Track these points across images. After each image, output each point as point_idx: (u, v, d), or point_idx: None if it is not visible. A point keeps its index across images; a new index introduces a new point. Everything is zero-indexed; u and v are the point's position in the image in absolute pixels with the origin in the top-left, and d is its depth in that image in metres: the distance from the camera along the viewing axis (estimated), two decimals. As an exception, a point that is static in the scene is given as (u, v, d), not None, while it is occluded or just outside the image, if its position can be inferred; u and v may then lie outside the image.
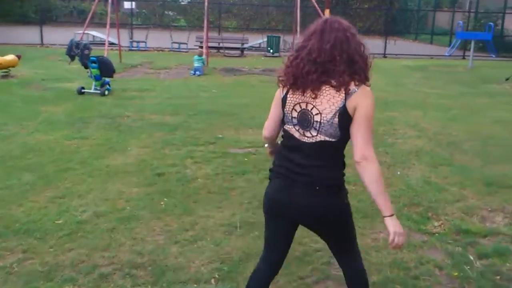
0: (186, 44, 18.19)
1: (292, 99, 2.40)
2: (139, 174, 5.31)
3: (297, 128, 2.39)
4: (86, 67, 10.13)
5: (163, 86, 11.36)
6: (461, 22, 21.16)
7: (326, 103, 2.30)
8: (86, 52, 9.99)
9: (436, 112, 8.97)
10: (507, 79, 12.84)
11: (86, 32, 21.37)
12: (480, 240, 3.95)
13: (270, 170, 2.58)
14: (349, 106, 2.27)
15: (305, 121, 2.36)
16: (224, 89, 11.11)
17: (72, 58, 10.27)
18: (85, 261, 3.52)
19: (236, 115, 8.30)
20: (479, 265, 3.55)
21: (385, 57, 19.54)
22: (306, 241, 3.79)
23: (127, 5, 27.24)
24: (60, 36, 18.20)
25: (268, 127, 2.61)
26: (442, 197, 4.84)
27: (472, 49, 17.21)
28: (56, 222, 4.14)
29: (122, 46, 17.62)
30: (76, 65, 10.73)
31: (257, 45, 21.05)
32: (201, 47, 16.02)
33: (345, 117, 2.28)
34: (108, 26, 14.80)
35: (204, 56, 13.83)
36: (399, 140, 6.95)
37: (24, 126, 7.24)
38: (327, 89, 2.30)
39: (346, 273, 2.66)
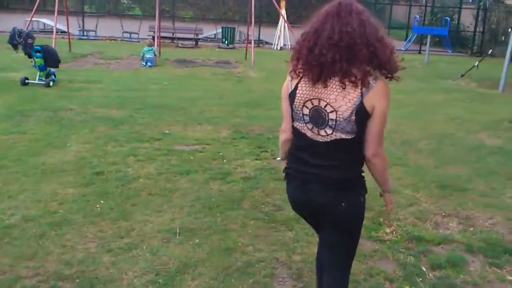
0: (138, 34, 17.70)
1: (302, 94, 2.24)
2: (77, 173, 5.02)
3: (310, 127, 2.26)
4: (30, 56, 9.66)
5: (112, 77, 10.97)
6: (418, 16, 21.45)
7: (341, 100, 2.16)
8: (30, 41, 9.51)
9: (390, 109, 8.77)
10: (462, 75, 13.02)
11: (36, 19, 20.57)
12: (433, 248, 3.80)
13: (285, 171, 2.47)
14: (367, 103, 2.15)
15: (319, 119, 2.22)
16: (175, 81, 10.82)
17: (15, 47, 9.78)
18: (7, 272, 3.24)
19: (185, 109, 8.05)
20: (431, 277, 3.40)
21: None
22: (250, 249, 3.63)
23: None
24: (11, 23, 17.26)
25: (287, 129, 2.40)
26: (394, 200, 4.70)
27: (428, 44, 17.45)
28: (-20, 227, 3.84)
29: (72, 35, 17.00)
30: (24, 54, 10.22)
31: (212, 36, 20.73)
32: (153, 37, 15.63)
33: (363, 114, 2.16)
34: (56, 13, 14.17)
35: (155, 47, 13.45)
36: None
37: (-42, 119, 6.81)
38: (348, 82, 2.14)
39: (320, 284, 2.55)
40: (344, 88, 2.14)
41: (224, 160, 5.61)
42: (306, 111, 2.24)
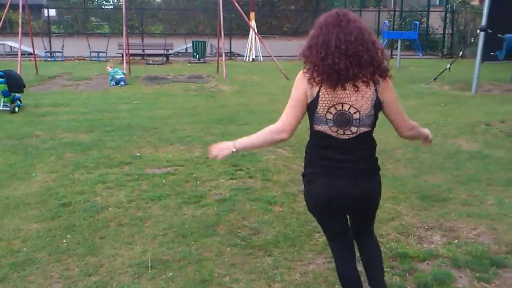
0: (106, 52, 17.39)
1: (325, 101, 2.47)
2: (42, 205, 4.75)
3: (334, 129, 2.51)
4: (-8, 82, 9.33)
5: (81, 99, 10.67)
6: (387, 21, 21.57)
7: (361, 100, 2.47)
8: (-9, 66, 9.18)
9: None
10: (435, 79, 13.01)
11: (2, 42, 20.14)
12: (418, 265, 3.63)
13: (304, 175, 2.70)
14: (380, 96, 2.51)
15: (343, 121, 2.49)
16: (146, 100, 10.56)
17: (-24, 73, 9.43)
18: (-37, 324, 2.99)
19: (156, 129, 7.81)
20: (419, 298, 3.21)
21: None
22: (227, 280, 3.43)
23: (46, 12, 25.92)
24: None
25: (289, 130, 2.57)
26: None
27: (399, 49, 17.49)
28: None
29: (39, 56, 16.63)
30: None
31: (183, 51, 20.52)
32: (122, 54, 15.37)
33: (378, 107, 2.54)
34: (20, 35, 13.81)
35: (123, 64, 13.16)
36: (326, 149, 6.68)
37: None
38: (359, 84, 2.45)
39: (364, 248, 2.90)
40: (360, 90, 2.46)
41: (198, 182, 5.40)
42: (330, 116, 2.49)
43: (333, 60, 2.40)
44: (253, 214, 4.50)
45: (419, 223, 4.39)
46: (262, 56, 19.13)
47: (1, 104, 9.22)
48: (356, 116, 2.48)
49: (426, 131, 2.95)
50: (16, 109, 9.17)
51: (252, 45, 19.26)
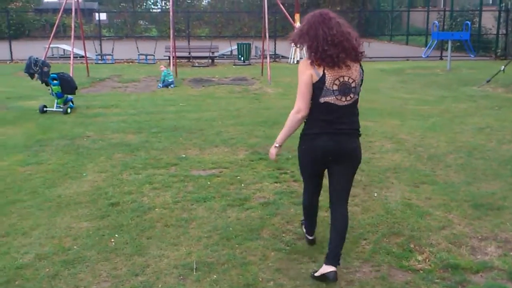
0: (153, 55, 17.73)
1: (330, 76, 3.23)
2: (92, 204, 4.90)
3: (339, 97, 3.26)
4: (47, 84, 9.71)
5: (129, 101, 10.94)
6: (436, 22, 21.07)
7: (355, 73, 3.29)
8: (46, 69, 9.56)
9: (414, 121, 8.57)
10: (488, 81, 12.59)
11: (56, 46, 20.90)
12: (471, 277, 3.50)
13: (305, 135, 3.43)
14: (363, 70, 3.40)
15: (346, 89, 3.26)
16: (191, 102, 10.72)
17: (32, 76, 9.85)
18: (17, 318, 3.11)
19: (202, 131, 7.92)
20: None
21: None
22: (271, 285, 3.42)
23: (97, 16, 26.71)
24: (31, 50, 17.59)
25: (306, 108, 3.32)
26: (425, 223, 4.40)
27: (449, 50, 17.02)
28: (-7, 267, 3.72)
29: (90, 59, 17.14)
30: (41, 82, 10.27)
31: (228, 53, 20.69)
32: (169, 57, 15.62)
33: (362, 77, 3.38)
34: (72, 39, 14.28)
35: (171, 67, 13.39)
36: (375, 155, 6.52)
37: (-23, 152, 6.79)
38: (348, 62, 3.25)
39: (335, 215, 3.50)
40: (352, 66, 3.28)
41: (242, 185, 5.43)
42: (335, 87, 3.25)
43: (323, 49, 3.19)
44: (297, 219, 4.49)
45: (472, 232, 4.24)
46: (308, 58, 19.03)
47: (55, 105, 9.57)
48: (353, 85, 3.29)
49: None
50: (69, 110, 9.49)
51: (297, 48, 19.21)
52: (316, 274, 3.39)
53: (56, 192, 5.27)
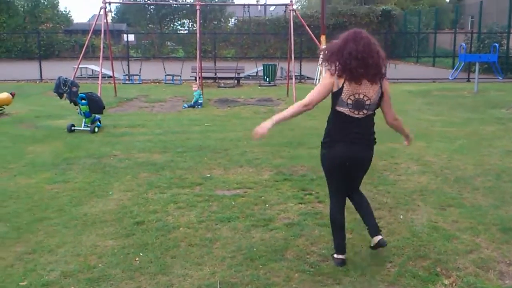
0: (180, 76, 17.98)
1: (347, 90, 3.62)
2: (117, 223, 4.94)
3: (352, 110, 3.66)
4: (75, 104, 9.91)
5: (156, 120, 11.08)
6: (464, 44, 20.89)
7: (372, 92, 3.64)
8: (74, 89, 9.77)
9: (441, 143, 8.48)
10: (516, 104, 12.39)
11: (85, 66, 21.40)
12: None
13: (325, 142, 3.85)
14: (383, 90, 3.70)
15: (359, 105, 3.65)
16: (216, 122, 10.81)
17: (61, 95, 10.06)
18: (42, 335, 3.13)
19: (227, 151, 7.95)
20: None
21: (384, 82, 19.21)
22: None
23: (126, 37, 27.32)
24: (60, 70, 18.07)
25: (314, 102, 3.72)
26: (452, 247, 4.31)
27: (477, 72, 16.80)
28: (20, 284, 3.77)
29: (117, 79, 17.46)
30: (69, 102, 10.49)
31: (254, 74, 20.85)
32: (195, 78, 15.83)
33: (380, 97, 3.71)
34: (101, 60, 14.60)
35: (198, 89, 13.56)
36: (401, 177, 6.45)
37: (7, 169, 6.95)
38: (367, 81, 3.60)
39: (356, 201, 4.13)
40: (371, 84, 3.63)
41: (267, 205, 5.41)
42: (349, 101, 3.64)
43: (345, 62, 3.55)
44: (322, 240, 4.45)
45: (500, 257, 4.14)
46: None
47: (83, 124, 9.74)
48: (368, 102, 3.66)
49: (407, 131, 4.14)
50: (96, 129, 9.65)
51: (322, 68, 19.24)
52: (371, 246, 4.06)
53: (82, 210, 5.34)
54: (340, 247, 3.98)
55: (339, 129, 3.74)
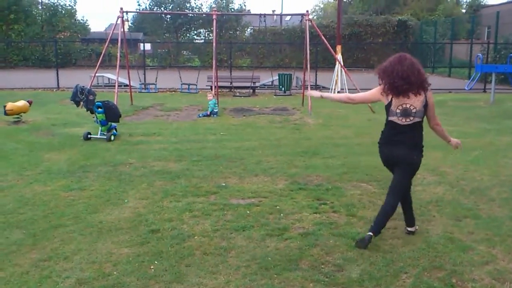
0: (196, 85, 18.07)
1: (395, 103, 4.46)
2: (133, 231, 4.96)
3: (400, 118, 4.47)
4: (92, 112, 10.00)
5: (171, 129, 11.13)
6: (480, 54, 20.72)
7: (417, 102, 4.42)
8: (91, 97, 9.86)
9: (457, 153, 8.34)
10: (531, 114, 12.24)
11: (101, 74, 21.61)
12: None
13: (379, 142, 4.71)
14: (427, 100, 4.45)
15: (406, 113, 4.45)
16: (232, 131, 10.83)
17: (78, 104, 10.16)
18: None
19: (242, 160, 7.96)
20: None
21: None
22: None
23: (142, 46, 27.57)
24: (77, 79, 18.29)
25: (357, 100, 4.87)
26: (468, 258, 4.29)
27: (493, 82, 16.65)
28: (36, 290, 3.80)
29: (134, 88, 17.58)
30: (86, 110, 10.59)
31: (269, 83, 20.87)
32: (211, 87, 15.88)
33: (425, 106, 4.45)
34: (117, 68, 14.72)
35: (213, 98, 13.61)
36: (417, 188, 6.40)
37: (24, 176, 7.02)
38: (413, 94, 4.41)
39: (384, 201, 4.70)
40: (416, 96, 4.41)
41: (281, 214, 5.40)
42: (398, 111, 4.46)
43: (392, 81, 4.40)
44: (337, 250, 4.42)
45: (516, 269, 4.08)
46: (348, 89, 19.02)
47: (99, 132, 9.82)
48: (414, 110, 4.43)
49: (449, 137, 4.84)
50: (112, 137, 9.72)
51: (338, 78, 19.20)
52: (357, 239, 4.58)
53: (98, 217, 5.37)
54: (408, 221, 4.90)
55: (388, 134, 4.61)
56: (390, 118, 4.51)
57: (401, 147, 4.50)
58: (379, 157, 4.69)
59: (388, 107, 4.50)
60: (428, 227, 5.04)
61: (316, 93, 5.02)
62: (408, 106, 4.41)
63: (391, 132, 4.56)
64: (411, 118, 4.41)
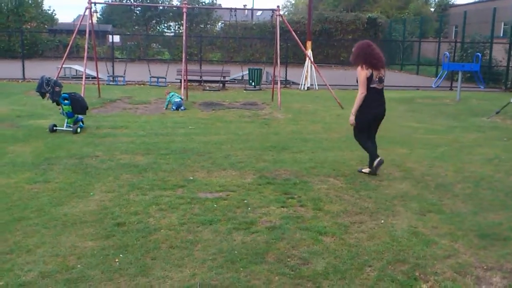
0: (165, 78, 17.90)
1: (375, 74, 6.52)
2: (98, 224, 4.89)
3: (378, 84, 6.59)
4: (58, 104, 9.80)
5: (139, 122, 11.01)
6: (447, 53, 21.15)
7: (383, 72, 6.66)
8: (57, 89, 9.65)
9: (423, 150, 8.58)
10: (497, 112, 12.56)
11: (69, 66, 21.19)
12: None
13: (370, 105, 6.65)
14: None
15: (381, 80, 6.61)
16: (201, 125, 10.78)
17: (43, 95, 9.92)
18: (18, 336, 3.08)
19: (210, 154, 7.93)
20: None
21: (368, 89, 19.36)
22: None
23: (111, 38, 27.13)
24: (44, 70, 17.89)
25: (365, 87, 6.55)
26: (431, 252, 4.36)
27: (459, 81, 17.04)
28: (-4, 284, 3.71)
29: (102, 80, 17.32)
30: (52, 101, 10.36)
31: (239, 78, 20.86)
32: (180, 80, 15.77)
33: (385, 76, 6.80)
34: (85, 60, 14.47)
35: (181, 90, 13.49)
36: (383, 183, 6.51)
37: (-14, 169, 6.83)
38: (382, 68, 6.61)
39: (372, 141, 6.96)
40: (384, 69, 6.69)
41: (249, 208, 5.41)
42: (376, 79, 6.54)
43: (371, 61, 6.49)
44: (303, 244, 4.45)
45: (477, 262, 4.19)
46: (318, 85, 19.17)
47: (65, 124, 9.64)
48: (383, 78, 6.62)
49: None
50: (79, 130, 9.55)
51: (308, 74, 19.34)
52: (374, 165, 6.76)
53: (62, 210, 5.27)
54: (374, 155, 6.79)
55: (373, 97, 6.59)
56: (372, 85, 6.52)
57: (383, 106, 6.73)
58: (364, 119, 6.68)
59: (370, 78, 6.48)
60: (393, 221, 5.12)
61: (352, 118, 6.72)
62: (381, 76, 6.58)
63: (375, 96, 6.56)
64: (383, 84, 6.66)
